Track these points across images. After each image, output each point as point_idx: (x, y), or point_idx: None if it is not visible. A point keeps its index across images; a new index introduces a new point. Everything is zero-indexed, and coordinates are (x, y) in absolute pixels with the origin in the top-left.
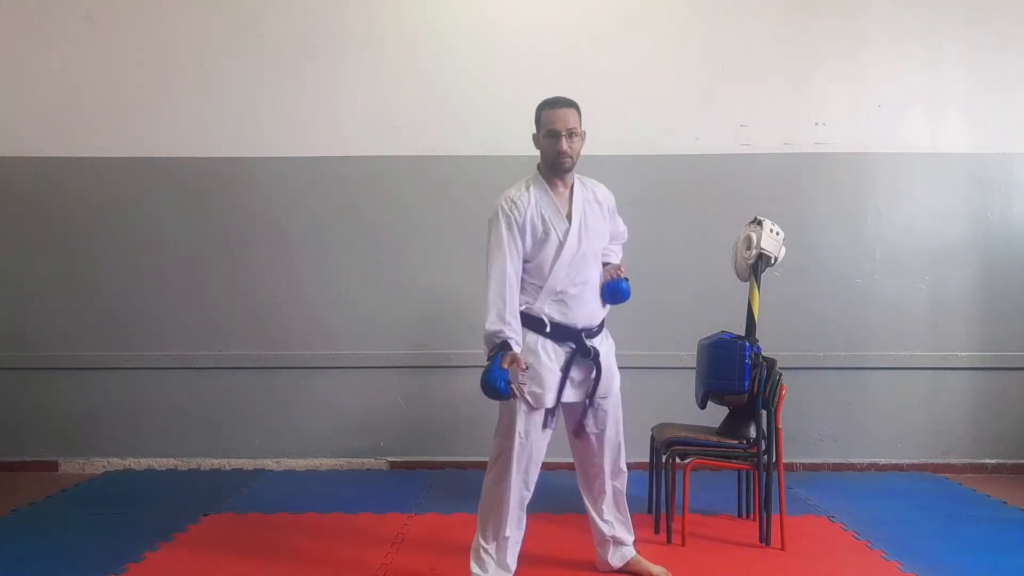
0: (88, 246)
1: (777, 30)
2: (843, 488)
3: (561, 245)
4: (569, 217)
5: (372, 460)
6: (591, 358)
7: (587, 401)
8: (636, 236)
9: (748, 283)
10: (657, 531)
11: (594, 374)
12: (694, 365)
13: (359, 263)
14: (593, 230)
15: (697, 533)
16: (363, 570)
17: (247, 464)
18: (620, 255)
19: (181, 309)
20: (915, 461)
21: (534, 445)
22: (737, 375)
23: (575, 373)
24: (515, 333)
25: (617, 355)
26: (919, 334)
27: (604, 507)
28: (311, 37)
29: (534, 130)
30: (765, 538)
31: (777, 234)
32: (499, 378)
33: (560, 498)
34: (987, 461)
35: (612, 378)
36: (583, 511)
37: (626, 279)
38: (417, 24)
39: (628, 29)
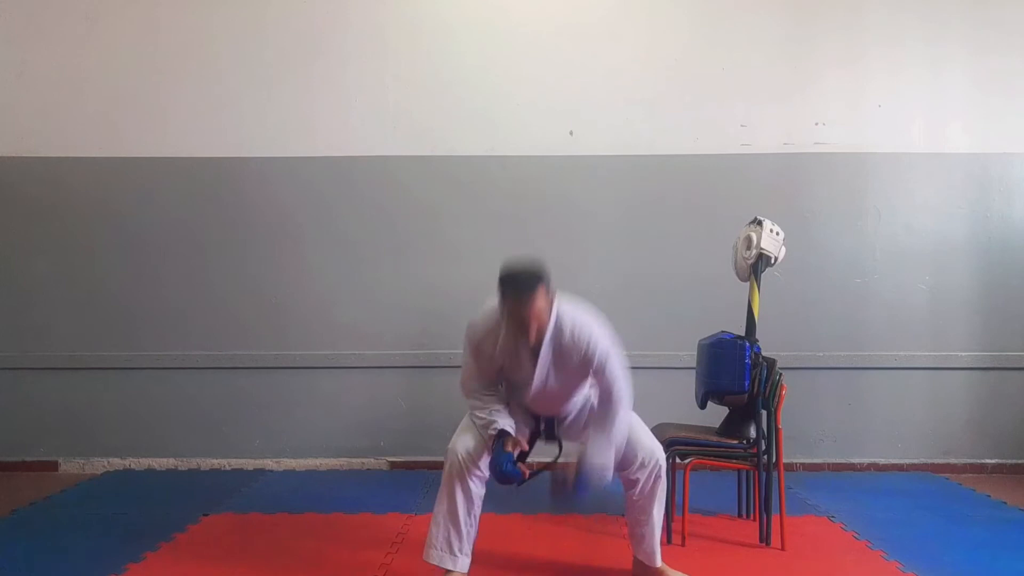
0: (88, 246)
1: (777, 30)
2: (843, 488)
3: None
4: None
5: (372, 460)
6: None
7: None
8: (636, 236)
9: (748, 283)
10: None
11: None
12: (694, 365)
13: (360, 263)
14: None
15: (697, 533)
16: (363, 570)
17: (247, 464)
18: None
19: (181, 309)
20: (915, 461)
21: None
22: (737, 375)
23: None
24: (504, 419)
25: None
26: (919, 334)
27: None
28: (313, 36)
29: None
30: (765, 538)
31: (777, 234)
32: (505, 461)
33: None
34: (987, 461)
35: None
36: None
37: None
38: (418, 25)
39: (628, 29)
